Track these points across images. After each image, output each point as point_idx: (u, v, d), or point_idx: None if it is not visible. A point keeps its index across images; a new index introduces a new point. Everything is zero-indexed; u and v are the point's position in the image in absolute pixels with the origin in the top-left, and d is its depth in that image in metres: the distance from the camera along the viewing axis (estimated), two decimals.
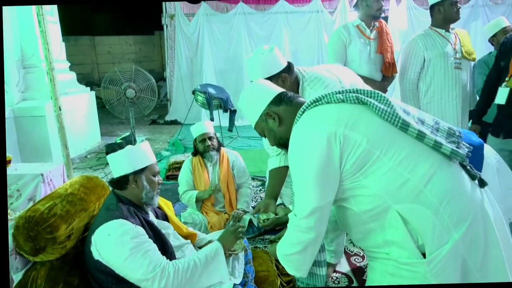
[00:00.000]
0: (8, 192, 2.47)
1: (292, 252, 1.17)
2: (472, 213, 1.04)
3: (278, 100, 1.30)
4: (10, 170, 2.65)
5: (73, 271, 1.45)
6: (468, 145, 1.14)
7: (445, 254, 1.02)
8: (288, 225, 1.19)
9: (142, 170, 1.53)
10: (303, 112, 1.19)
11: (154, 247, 1.41)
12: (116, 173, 1.53)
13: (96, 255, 1.37)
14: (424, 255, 1.03)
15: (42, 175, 2.63)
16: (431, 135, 1.08)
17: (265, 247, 2.53)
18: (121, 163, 1.53)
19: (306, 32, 7.48)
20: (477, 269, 1.06)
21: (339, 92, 1.17)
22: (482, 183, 1.13)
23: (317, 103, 1.17)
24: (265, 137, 1.36)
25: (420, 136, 1.07)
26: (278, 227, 1.72)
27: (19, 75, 4.57)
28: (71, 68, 5.69)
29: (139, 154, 1.54)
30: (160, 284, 1.33)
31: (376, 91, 1.16)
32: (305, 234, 1.13)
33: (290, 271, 1.21)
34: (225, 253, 1.57)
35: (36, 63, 4.64)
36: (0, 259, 1.14)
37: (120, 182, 1.53)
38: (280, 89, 1.36)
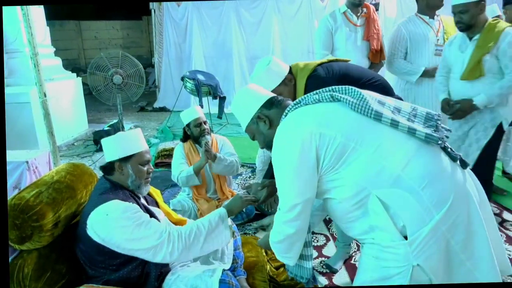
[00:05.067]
0: None
1: (275, 240, 1.29)
2: (453, 193, 1.07)
3: (269, 103, 1.36)
4: None
5: (60, 259, 1.44)
6: (447, 128, 1.19)
7: (426, 235, 1.05)
8: (274, 216, 1.29)
9: (129, 157, 1.52)
10: (286, 115, 1.27)
11: (153, 219, 1.45)
12: (107, 159, 1.54)
13: (94, 237, 1.37)
14: (406, 237, 1.07)
15: (27, 162, 2.59)
16: (406, 122, 1.14)
17: (254, 233, 2.55)
18: (109, 149, 1.53)
19: (296, 18, 7.40)
20: (461, 250, 1.08)
21: (316, 93, 1.25)
22: (464, 164, 1.17)
23: (297, 106, 1.26)
24: (254, 139, 1.42)
25: (394, 124, 1.13)
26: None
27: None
28: (56, 54, 5.56)
29: (127, 141, 1.53)
30: (168, 248, 1.37)
31: (350, 86, 1.23)
32: (286, 227, 1.23)
33: (277, 256, 1.33)
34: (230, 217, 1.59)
35: (20, 48, 4.51)
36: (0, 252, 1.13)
37: (107, 168, 1.53)
38: (271, 94, 1.41)
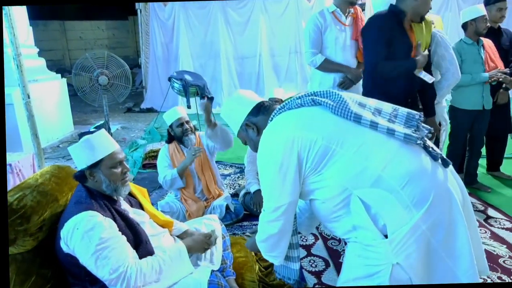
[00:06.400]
0: None
1: (260, 240, 1.35)
2: (433, 192, 1.09)
3: (256, 111, 1.39)
4: None
5: (45, 263, 1.42)
6: (428, 127, 1.21)
7: (406, 233, 1.07)
8: (259, 216, 1.34)
9: (97, 163, 1.44)
10: (272, 119, 1.31)
11: (122, 244, 1.35)
12: (77, 167, 1.49)
13: (65, 249, 1.33)
14: (387, 236, 1.09)
15: (10, 165, 2.54)
16: (386, 123, 1.16)
17: (243, 233, 2.54)
18: (76, 158, 1.48)
19: (283, 18, 7.44)
20: (442, 248, 1.10)
21: (299, 98, 1.28)
22: (445, 163, 1.19)
23: (281, 110, 1.29)
24: (246, 144, 1.46)
25: (373, 126, 1.15)
26: None
27: None
28: (40, 54, 5.47)
29: (92, 147, 1.45)
30: (122, 285, 1.29)
31: (331, 90, 1.27)
32: (269, 227, 1.29)
33: (263, 254, 1.37)
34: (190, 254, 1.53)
35: None
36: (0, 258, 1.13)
37: (79, 177, 1.48)
38: (258, 99, 1.44)
